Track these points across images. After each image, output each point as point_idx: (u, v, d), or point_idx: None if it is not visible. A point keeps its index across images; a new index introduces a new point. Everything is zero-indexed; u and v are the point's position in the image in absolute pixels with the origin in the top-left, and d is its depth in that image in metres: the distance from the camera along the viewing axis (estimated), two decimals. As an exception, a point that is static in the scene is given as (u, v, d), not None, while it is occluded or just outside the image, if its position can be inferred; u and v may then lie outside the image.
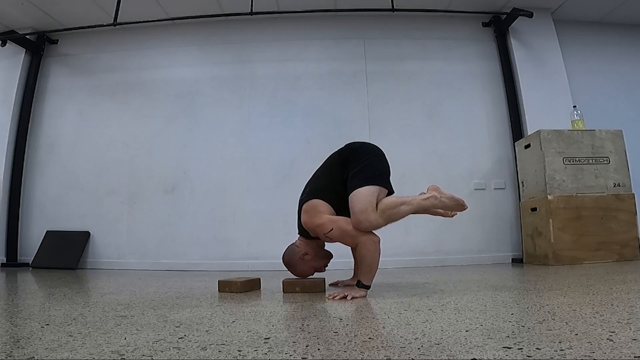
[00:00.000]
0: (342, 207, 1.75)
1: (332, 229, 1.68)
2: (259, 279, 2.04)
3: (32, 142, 4.00)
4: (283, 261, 1.92)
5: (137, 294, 1.84)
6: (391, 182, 1.81)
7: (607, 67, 4.05)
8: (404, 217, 1.71)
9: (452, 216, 1.85)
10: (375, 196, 1.67)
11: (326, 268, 1.95)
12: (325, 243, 1.91)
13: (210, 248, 3.64)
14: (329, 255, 1.95)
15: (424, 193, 1.77)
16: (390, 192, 1.79)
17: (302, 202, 1.84)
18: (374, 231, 1.68)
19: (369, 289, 1.66)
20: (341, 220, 1.70)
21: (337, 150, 1.90)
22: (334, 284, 2.07)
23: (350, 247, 1.91)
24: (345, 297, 1.56)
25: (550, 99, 3.71)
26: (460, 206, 1.75)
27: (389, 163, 1.85)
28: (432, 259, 3.47)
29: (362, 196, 1.66)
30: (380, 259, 1.68)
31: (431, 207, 1.75)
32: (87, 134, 3.97)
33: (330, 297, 1.58)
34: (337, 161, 1.84)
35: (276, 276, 2.67)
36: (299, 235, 1.92)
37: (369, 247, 1.64)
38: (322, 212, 1.74)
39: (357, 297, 1.59)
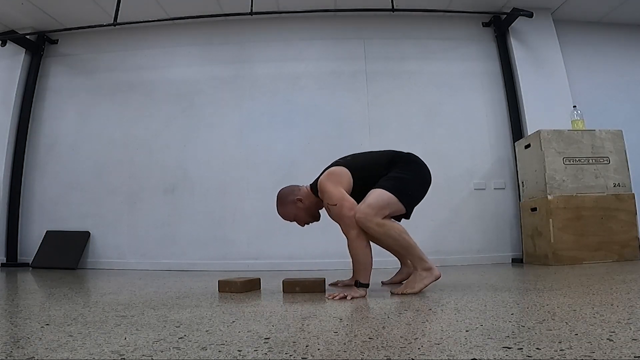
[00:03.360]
0: (359, 193, 1.74)
1: (336, 204, 1.69)
2: (259, 279, 2.04)
3: (32, 142, 4.00)
4: (277, 195, 1.94)
5: (137, 294, 1.84)
6: (414, 210, 1.82)
7: (607, 67, 4.05)
8: (391, 246, 1.76)
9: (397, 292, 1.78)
10: (391, 206, 1.68)
11: (306, 225, 1.97)
12: (323, 212, 1.92)
13: (210, 248, 3.64)
14: (316, 217, 1.97)
15: (427, 261, 1.72)
16: (406, 214, 1.80)
17: (335, 163, 1.85)
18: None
19: (367, 287, 1.66)
20: (348, 203, 1.68)
21: (397, 150, 1.89)
22: (334, 284, 2.07)
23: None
24: (345, 297, 1.56)
25: (550, 99, 3.71)
26: (402, 290, 1.70)
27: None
28: (432, 259, 3.42)
29: (380, 196, 1.67)
30: (373, 259, 1.68)
31: (413, 268, 1.74)
32: (87, 134, 3.97)
33: (330, 297, 1.59)
34: (388, 157, 1.83)
35: (276, 276, 2.67)
36: (309, 185, 1.93)
37: (358, 246, 1.65)
38: (341, 183, 1.75)
39: (357, 297, 1.59)
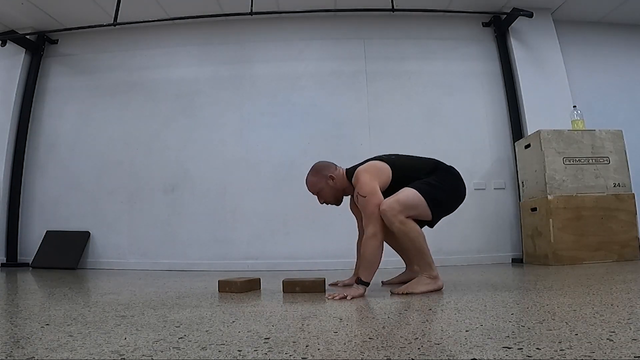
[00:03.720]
0: (392, 191, 1.75)
1: (365, 197, 1.70)
2: (259, 279, 2.04)
3: (32, 142, 4.00)
4: (314, 165, 1.98)
5: (137, 294, 1.84)
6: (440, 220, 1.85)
7: (607, 67, 4.05)
8: (406, 247, 1.74)
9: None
10: (418, 208, 1.70)
11: (325, 205, 2.00)
12: (347, 200, 1.95)
13: (210, 248, 3.64)
14: (338, 201, 1.99)
15: (434, 270, 1.74)
16: (431, 222, 1.82)
17: (381, 158, 1.88)
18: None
19: (367, 285, 1.67)
20: (377, 199, 1.69)
21: (440, 161, 1.92)
22: (334, 284, 2.07)
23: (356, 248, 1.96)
24: (344, 297, 1.56)
25: (550, 99, 3.71)
26: (402, 291, 1.71)
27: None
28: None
29: (411, 196, 1.69)
30: (381, 259, 1.69)
31: (418, 272, 1.77)
32: (87, 134, 3.97)
33: (329, 297, 1.59)
34: (430, 165, 1.86)
35: (276, 276, 2.67)
36: (346, 168, 1.96)
37: (372, 244, 1.65)
38: (378, 178, 1.77)
39: (356, 296, 1.59)
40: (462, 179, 1.89)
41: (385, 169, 1.81)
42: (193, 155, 3.83)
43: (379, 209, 1.66)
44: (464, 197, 1.89)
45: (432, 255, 1.74)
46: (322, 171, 1.94)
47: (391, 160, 1.86)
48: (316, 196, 1.98)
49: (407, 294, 1.66)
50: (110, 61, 4.11)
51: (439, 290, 1.72)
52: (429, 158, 1.93)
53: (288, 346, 0.85)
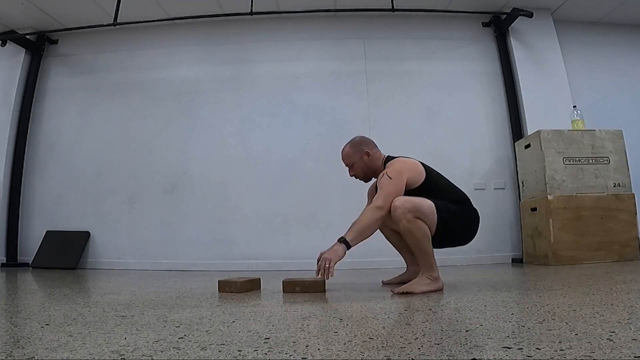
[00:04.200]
0: (413, 194, 1.79)
1: (390, 179, 1.75)
2: (259, 279, 2.04)
3: (32, 142, 4.00)
4: (356, 137, 2.05)
5: (137, 294, 1.84)
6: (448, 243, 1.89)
7: (607, 67, 4.05)
8: (411, 243, 1.74)
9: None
10: (428, 219, 1.71)
11: (353, 177, 2.03)
12: (371, 184, 2.01)
13: (210, 248, 3.64)
14: (367, 177, 2.03)
15: (435, 271, 1.76)
16: (440, 243, 1.83)
17: (423, 164, 1.91)
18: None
19: (349, 248, 1.67)
20: (399, 184, 1.74)
21: (470, 199, 1.93)
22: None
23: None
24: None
25: (550, 99, 3.71)
26: (403, 290, 1.72)
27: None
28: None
29: (427, 205, 1.71)
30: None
31: (419, 271, 1.78)
32: (87, 134, 3.97)
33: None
34: (460, 196, 1.89)
35: (276, 276, 2.67)
36: (385, 154, 2.00)
37: (374, 214, 1.70)
38: (410, 173, 1.81)
39: (338, 260, 1.64)
40: (478, 223, 1.92)
41: (422, 172, 1.85)
42: (193, 155, 3.83)
43: (393, 201, 1.69)
44: (470, 240, 1.92)
45: (435, 257, 1.75)
46: (360, 145, 1.98)
47: (430, 170, 1.91)
48: (347, 168, 2.03)
49: (407, 293, 1.66)
50: (110, 61, 4.11)
51: (439, 290, 1.73)
52: (462, 190, 1.96)
53: (288, 346, 0.85)
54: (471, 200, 1.94)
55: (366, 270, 3.00)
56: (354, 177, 2.04)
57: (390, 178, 1.75)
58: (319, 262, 1.66)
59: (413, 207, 1.68)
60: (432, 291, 1.70)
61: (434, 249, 1.78)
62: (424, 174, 1.85)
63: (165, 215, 3.75)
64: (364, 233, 1.69)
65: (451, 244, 1.90)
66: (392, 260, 2.24)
